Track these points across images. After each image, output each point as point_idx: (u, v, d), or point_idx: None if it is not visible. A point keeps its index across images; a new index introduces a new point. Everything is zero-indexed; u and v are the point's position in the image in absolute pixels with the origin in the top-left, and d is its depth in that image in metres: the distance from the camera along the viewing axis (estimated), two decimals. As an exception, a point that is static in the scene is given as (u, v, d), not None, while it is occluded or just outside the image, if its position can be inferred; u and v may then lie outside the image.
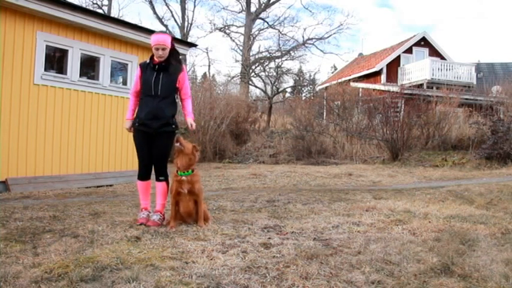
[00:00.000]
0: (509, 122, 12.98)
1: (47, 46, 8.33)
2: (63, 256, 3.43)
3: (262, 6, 29.23)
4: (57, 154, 8.45)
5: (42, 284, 2.87)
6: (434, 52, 26.13)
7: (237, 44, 29.92)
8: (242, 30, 29.41)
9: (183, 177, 4.64)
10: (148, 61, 4.90)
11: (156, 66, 4.80)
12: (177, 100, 5.02)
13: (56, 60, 8.80)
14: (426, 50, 26.09)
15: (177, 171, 4.70)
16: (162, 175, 5.01)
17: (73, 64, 8.73)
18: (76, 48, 8.81)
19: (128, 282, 2.90)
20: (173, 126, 4.89)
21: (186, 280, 2.98)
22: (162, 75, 4.79)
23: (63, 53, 8.73)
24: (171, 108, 4.87)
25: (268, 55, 28.00)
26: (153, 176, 5.15)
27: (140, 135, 4.93)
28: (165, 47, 4.76)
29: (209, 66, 34.49)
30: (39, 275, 3.00)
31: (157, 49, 4.75)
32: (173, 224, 4.61)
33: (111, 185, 9.00)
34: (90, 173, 8.98)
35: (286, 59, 28.30)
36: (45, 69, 8.29)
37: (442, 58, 25.58)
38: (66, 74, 8.66)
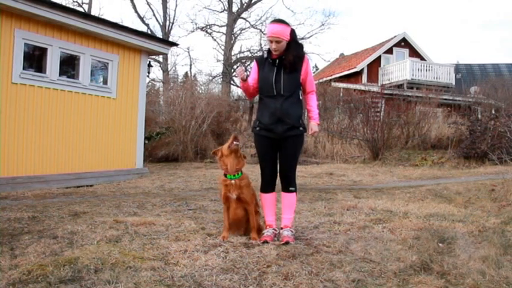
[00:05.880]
0: (486, 122, 13.20)
1: (25, 44, 8.19)
2: (41, 257, 3.39)
3: (244, 6, 29.21)
4: (37, 154, 8.32)
5: (20, 286, 2.83)
6: (414, 53, 26.47)
7: (218, 44, 29.83)
8: (224, 29, 29.36)
9: (232, 181, 4.21)
10: (266, 55, 4.30)
11: (276, 61, 4.20)
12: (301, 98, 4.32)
13: (35, 59, 8.66)
14: (406, 51, 26.41)
15: (224, 175, 4.28)
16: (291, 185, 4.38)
17: (52, 63, 8.60)
18: (56, 47, 8.68)
19: (107, 284, 2.88)
20: (300, 128, 4.25)
21: (167, 281, 2.97)
22: (283, 71, 4.18)
23: (43, 51, 8.58)
24: (296, 108, 4.23)
25: (250, 55, 27.96)
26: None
27: (264, 141, 4.33)
28: (279, 40, 4.10)
29: (190, 65, 34.27)
30: (17, 277, 2.95)
31: (270, 41, 4.14)
32: (226, 234, 4.19)
33: (91, 185, 8.90)
34: (70, 173, 8.87)
35: (267, 59, 28.27)
36: (24, 68, 8.14)
37: (422, 59, 25.93)
38: (45, 72, 8.53)
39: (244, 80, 4.22)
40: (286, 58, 4.12)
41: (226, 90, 25.97)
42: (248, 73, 4.36)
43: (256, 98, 4.87)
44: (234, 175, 4.22)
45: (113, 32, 9.59)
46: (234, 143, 4.24)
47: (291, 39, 4.12)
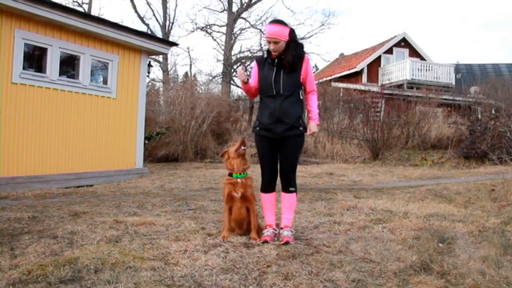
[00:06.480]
0: (486, 122, 13.20)
1: (25, 44, 8.19)
2: (41, 257, 3.39)
3: (244, 6, 29.20)
4: (37, 154, 8.32)
5: (20, 286, 2.83)
6: (414, 53, 26.47)
7: (218, 44, 29.81)
8: (224, 29, 29.34)
9: (238, 180, 4.29)
10: (265, 55, 4.29)
11: (275, 61, 4.20)
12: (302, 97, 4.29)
13: (35, 59, 8.66)
14: (406, 51, 26.41)
15: (230, 174, 4.35)
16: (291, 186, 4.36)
17: (52, 63, 8.59)
18: (56, 47, 8.68)
19: (107, 284, 2.88)
20: (300, 128, 4.23)
21: (167, 281, 2.97)
22: (282, 71, 4.17)
23: (43, 51, 8.58)
24: (296, 108, 4.21)
25: (250, 55, 27.95)
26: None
27: (264, 141, 4.32)
28: (277, 41, 4.09)
29: (190, 65, 34.26)
30: (17, 277, 2.95)
31: (268, 42, 4.14)
32: (226, 234, 4.22)
33: (91, 185, 8.90)
34: (70, 173, 8.87)
35: (267, 59, 28.30)
36: (24, 68, 8.14)
37: (422, 59, 25.92)
38: (45, 72, 8.52)
39: (245, 83, 4.22)
40: (285, 58, 4.10)
41: (226, 90, 25.96)
42: (248, 73, 4.38)
43: (257, 98, 4.87)
44: (240, 174, 4.28)
45: (113, 32, 9.59)
46: (242, 147, 4.31)
47: (289, 40, 4.09)
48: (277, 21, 4.19)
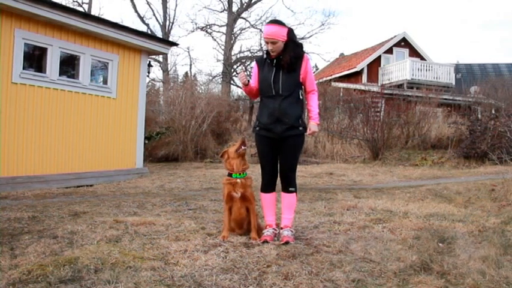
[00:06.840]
0: (486, 121, 13.20)
1: (25, 44, 8.18)
2: (41, 257, 3.38)
3: (244, 6, 29.20)
4: (37, 154, 8.31)
5: (20, 286, 2.82)
6: (414, 53, 26.47)
7: (218, 44, 29.83)
8: (224, 29, 29.35)
9: (238, 180, 4.30)
10: (265, 56, 4.29)
11: (274, 61, 4.20)
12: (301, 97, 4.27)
13: (35, 59, 8.65)
14: (406, 51, 26.41)
15: (229, 175, 4.36)
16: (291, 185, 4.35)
17: (52, 63, 8.59)
18: (56, 47, 8.68)
19: (107, 284, 2.88)
20: (300, 128, 4.21)
21: (167, 281, 2.97)
22: (281, 71, 4.17)
23: (43, 51, 8.58)
24: (295, 108, 4.19)
25: (250, 54, 27.96)
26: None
27: (263, 141, 4.32)
28: (275, 41, 4.09)
29: (190, 65, 34.32)
30: (17, 276, 2.95)
31: (266, 43, 4.16)
32: (226, 234, 4.21)
33: (91, 185, 8.90)
34: (70, 173, 8.86)
35: (267, 59, 28.32)
36: (24, 68, 8.14)
37: (422, 58, 25.92)
38: (45, 72, 8.52)
39: (246, 85, 4.22)
40: (283, 58, 4.09)
41: (226, 90, 25.95)
42: (249, 72, 4.38)
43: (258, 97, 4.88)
44: (240, 174, 4.28)
45: (113, 32, 9.59)
46: (242, 147, 4.31)
47: (288, 40, 4.08)
48: (275, 22, 4.18)
